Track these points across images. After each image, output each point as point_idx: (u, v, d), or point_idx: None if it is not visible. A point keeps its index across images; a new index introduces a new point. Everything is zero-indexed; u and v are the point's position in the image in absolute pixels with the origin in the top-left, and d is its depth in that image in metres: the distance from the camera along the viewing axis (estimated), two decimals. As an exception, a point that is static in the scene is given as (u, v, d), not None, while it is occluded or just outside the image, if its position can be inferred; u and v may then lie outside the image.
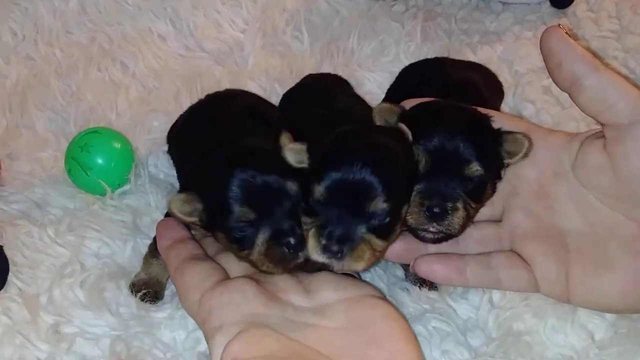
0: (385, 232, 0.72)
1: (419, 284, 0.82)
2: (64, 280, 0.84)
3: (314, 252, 0.71)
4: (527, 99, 1.16)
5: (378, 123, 0.81)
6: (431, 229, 0.75)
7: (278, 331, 0.66)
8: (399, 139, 0.75)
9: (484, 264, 0.77)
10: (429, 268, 0.76)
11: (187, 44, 1.37)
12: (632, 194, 0.69)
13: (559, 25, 0.70)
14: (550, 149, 0.76)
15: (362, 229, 0.70)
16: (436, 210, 0.73)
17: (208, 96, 1.04)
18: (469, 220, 0.76)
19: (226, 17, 1.43)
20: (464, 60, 1.16)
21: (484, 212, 0.80)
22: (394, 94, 1.06)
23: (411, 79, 1.07)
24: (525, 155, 0.76)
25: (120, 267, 0.88)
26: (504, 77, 1.21)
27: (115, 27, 1.40)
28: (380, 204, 0.70)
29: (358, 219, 0.70)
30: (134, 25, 1.41)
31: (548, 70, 0.71)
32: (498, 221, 0.80)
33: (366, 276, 0.85)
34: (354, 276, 0.80)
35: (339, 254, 0.70)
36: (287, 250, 0.73)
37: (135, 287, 0.83)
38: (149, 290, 0.82)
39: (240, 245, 0.75)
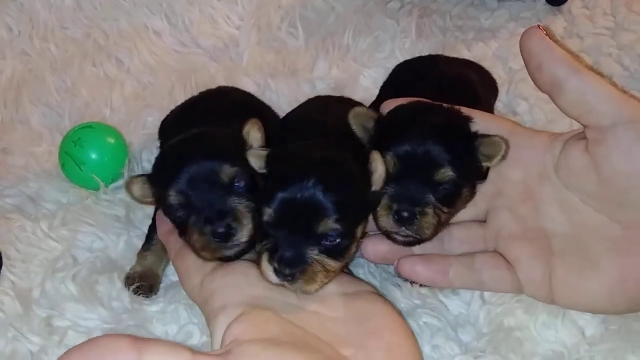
0: (339, 253, 0.71)
1: (410, 280, 0.83)
2: (56, 274, 0.84)
3: (268, 274, 0.69)
4: (521, 96, 1.15)
5: (354, 128, 0.80)
6: (401, 233, 0.75)
7: (280, 315, 0.66)
8: (356, 157, 0.74)
9: (468, 265, 0.77)
10: (411, 269, 0.77)
11: (182, 39, 1.37)
12: (614, 195, 0.69)
13: (538, 25, 0.70)
14: (535, 150, 0.76)
15: (313, 251, 0.69)
16: (404, 214, 0.73)
17: (201, 93, 1.05)
18: (440, 224, 0.76)
19: (221, 13, 1.43)
20: (458, 58, 1.16)
21: (468, 213, 0.80)
22: (388, 90, 1.06)
23: (405, 76, 1.06)
24: (503, 157, 0.75)
25: (112, 261, 0.88)
26: (498, 73, 1.21)
27: (111, 23, 1.40)
28: (330, 224, 0.68)
29: (309, 241, 0.69)
30: (130, 20, 1.41)
31: (528, 73, 0.71)
32: (482, 221, 0.80)
33: (359, 272, 0.85)
34: (351, 273, 0.81)
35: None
36: (212, 238, 0.72)
37: (129, 280, 0.83)
38: (143, 282, 0.82)
39: (179, 228, 0.76)
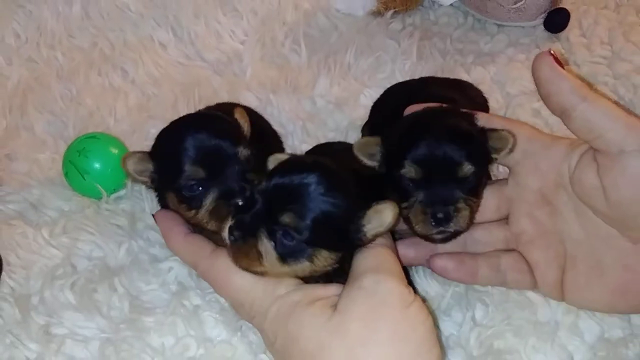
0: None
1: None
2: (55, 282, 0.86)
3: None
4: (518, 122, 1.17)
5: (361, 159, 0.83)
6: (439, 233, 0.79)
7: None
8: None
9: (494, 267, 0.81)
10: (443, 266, 0.81)
11: (187, 52, 1.39)
12: (622, 219, 0.71)
13: (550, 51, 0.71)
14: (552, 160, 0.77)
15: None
16: (440, 215, 0.77)
17: (207, 108, 1.06)
18: (473, 214, 0.80)
19: (226, 27, 1.44)
20: (448, 78, 1.20)
21: (492, 215, 0.84)
22: (380, 109, 1.10)
23: (396, 98, 1.09)
24: (511, 150, 0.79)
25: (111, 269, 0.89)
26: (496, 98, 1.22)
27: (117, 33, 1.42)
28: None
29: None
30: (136, 32, 1.43)
31: (540, 97, 0.73)
32: (504, 219, 0.84)
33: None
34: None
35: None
36: (234, 209, 0.75)
37: None
38: None
39: (188, 204, 0.79)
